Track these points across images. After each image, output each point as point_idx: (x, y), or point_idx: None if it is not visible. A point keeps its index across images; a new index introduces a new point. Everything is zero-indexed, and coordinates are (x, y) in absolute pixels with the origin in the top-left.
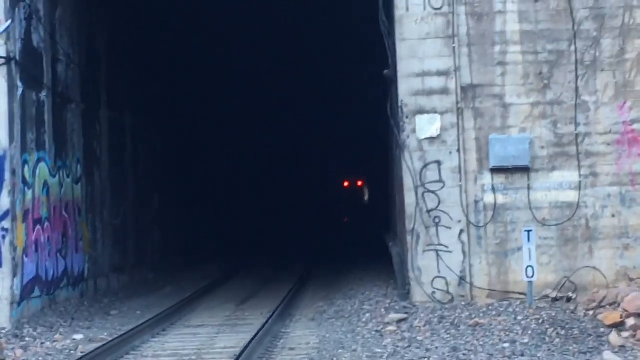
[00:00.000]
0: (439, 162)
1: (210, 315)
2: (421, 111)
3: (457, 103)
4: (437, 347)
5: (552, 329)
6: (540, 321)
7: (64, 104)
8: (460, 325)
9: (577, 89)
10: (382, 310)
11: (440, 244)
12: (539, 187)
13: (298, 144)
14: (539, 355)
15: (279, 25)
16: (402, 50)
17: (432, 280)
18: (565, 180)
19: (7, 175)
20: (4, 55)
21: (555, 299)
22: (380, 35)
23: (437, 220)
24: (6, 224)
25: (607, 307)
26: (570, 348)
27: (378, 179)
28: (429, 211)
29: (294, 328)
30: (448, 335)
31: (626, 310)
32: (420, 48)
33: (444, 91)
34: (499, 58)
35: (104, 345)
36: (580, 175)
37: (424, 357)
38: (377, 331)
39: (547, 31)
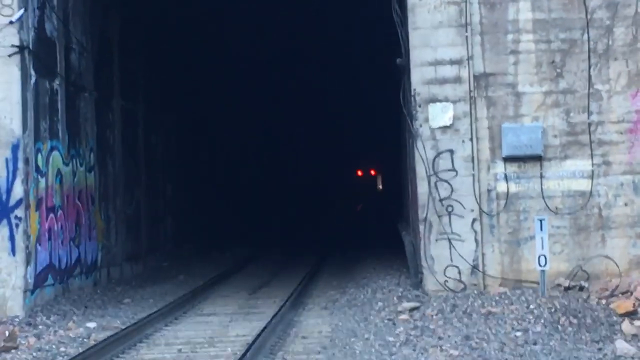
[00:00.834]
0: (451, 151)
1: (223, 304)
2: (434, 100)
3: (470, 92)
4: (449, 336)
5: (565, 317)
6: (553, 310)
7: (77, 92)
8: (472, 314)
9: (589, 77)
10: (395, 298)
11: (452, 233)
12: (552, 176)
13: (311, 132)
14: (551, 343)
15: (293, 13)
16: (415, 39)
17: (445, 269)
18: (578, 169)
19: (21, 164)
20: (17, 44)
21: (567, 288)
22: (394, 24)
23: (449, 209)
24: (19, 212)
25: (620, 295)
26: (583, 337)
27: (391, 168)
28: (441, 200)
29: (306, 316)
30: (460, 324)
31: (639, 299)
32: (433, 37)
33: (457, 80)
34: (512, 47)
35: (117, 333)
36: (592, 164)
37: (437, 346)
38: (389, 320)
39: (560, 20)
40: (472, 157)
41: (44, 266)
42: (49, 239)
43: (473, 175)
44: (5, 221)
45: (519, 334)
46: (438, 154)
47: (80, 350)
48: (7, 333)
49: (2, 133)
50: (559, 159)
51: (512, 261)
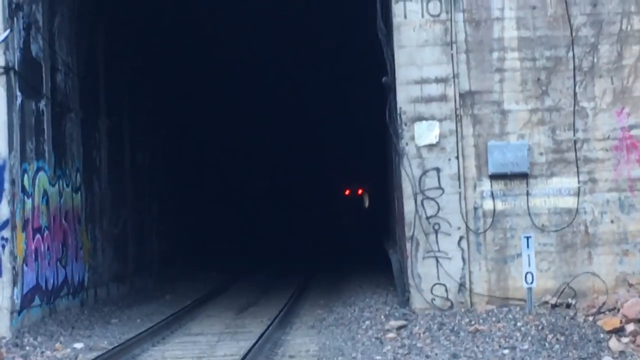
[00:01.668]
0: (438, 169)
1: (210, 323)
2: (420, 118)
3: (456, 110)
4: (436, 354)
5: (552, 335)
6: (540, 327)
7: (63, 113)
8: (460, 332)
9: (575, 95)
10: (382, 317)
11: (439, 251)
12: (538, 194)
13: (299, 151)
14: None
15: (280, 36)
16: (401, 57)
17: (432, 287)
18: (564, 187)
19: (7, 185)
20: (3, 65)
21: (554, 305)
22: (379, 43)
23: (436, 227)
24: (6, 233)
25: (607, 312)
26: (570, 354)
27: (378, 186)
28: (428, 218)
29: (294, 335)
30: (448, 342)
31: (626, 316)
32: (419, 55)
33: (443, 98)
34: (497, 65)
35: (104, 353)
36: (579, 182)
37: None
38: (377, 338)
39: (545, 37)
40: (459, 175)
41: (31, 287)
42: (36, 259)
43: (459, 193)
44: None
45: (506, 351)
46: (424, 172)
47: None
48: None
49: None
50: (545, 176)
51: (499, 279)
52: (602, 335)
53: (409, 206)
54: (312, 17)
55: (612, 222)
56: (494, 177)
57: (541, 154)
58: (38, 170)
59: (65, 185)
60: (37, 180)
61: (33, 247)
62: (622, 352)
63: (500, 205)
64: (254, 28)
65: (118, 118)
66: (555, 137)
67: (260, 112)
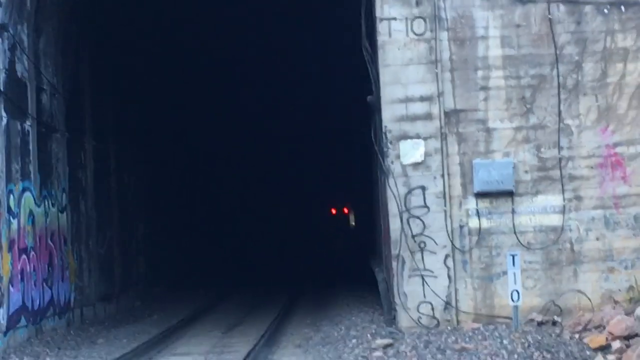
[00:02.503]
0: (423, 188)
1: (197, 343)
2: (405, 137)
3: (441, 128)
4: None
5: (538, 352)
6: (526, 345)
7: (48, 133)
8: (446, 350)
9: (559, 113)
10: (369, 335)
11: (425, 269)
12: (523, 211)
13: (285, 171)
14: None
15: (266, 56)
16: (385, 76)
17: (418, 305)
18: (549, 204)
19: None
20: None
21: (540, 323)
22: (365, 61)
23: (422, 245)
24: None
25: (593, 330)
26: None
27: (364, 205)
28: (414, 236)
29: (280, 355)
30: None
31: (611, 333)
32: (403, 74)
33: (428, 116)
34: (482, 83)
35: None
36: (564, 199)
37: None
38: (363, 357)
39: (530, 56)
40: (444, 193)
41: (17, 308)
42: (22, 280)
43: (445, 211)
44: None
45: None
46: (410, 191)
47: None
48: None
49: None
50: (530, 194)
51: (485, 297)
52: (588, 353)
53: (394, 224)
54: (298, 35)
55: (597, 239)
56: (479, 195)
57: (526, 171)
58: (24, 190)
59: (51, 206)
60: (22, 201)
61: (19, 267)
62: None
63: (485, 223)
64: (240, 49)
65: (104, 139)
66: (540, 155)
67: (246, 133)
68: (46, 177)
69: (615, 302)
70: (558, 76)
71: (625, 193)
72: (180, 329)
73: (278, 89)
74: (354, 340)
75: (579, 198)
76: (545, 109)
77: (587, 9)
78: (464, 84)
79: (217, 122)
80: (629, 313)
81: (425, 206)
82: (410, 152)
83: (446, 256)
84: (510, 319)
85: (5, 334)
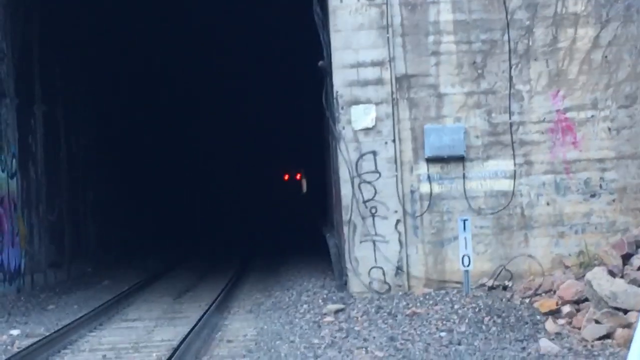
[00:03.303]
0: (374, 153)
1: (147, 309)
2: (356, 102)
3: (392, 93)
4: (374, 337)
5: (489, 317)
6: (477, 310)
7: None
8: (397, 315)
9: (510, 78)
10: (320, 301)
11: (377, 234)
12: (474, 176)
13: (237, 136)
14: (475, 343)
15: (216, 20)
16: (337, 41)
17: (369, 271)
18: (500, 169)
19: None
20: None
21: (491, 288)
22: (316, 26)
23: (373, 211)
24: None
25: (543, 294)
26: (507, 336)
27: (316, 171)
28: (365, 202)
29: (231, 320)
30: (385, 325)
31: (562, 298)
32: (355, 39)
33: (379, 82)
34: (433, 48)
35: (40, 340)
36: (515, 164)
37: (362, 347)
38: (314, 322)
39: (480, 21)
40: (395, 159)
41: None
42: None
43: (396, 176)
44: None
45: (443, 334)
46: (361, 156)
47: (3, 357)
48: None
49: None
50: (481, 159)
51: (436, 262)
52: (538, 317)
53: (345, 190)
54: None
55: (548, 204)
56: (430, 160)
57: (477, 136)
58: None
59: (0, 171)
60: None
61: None
62: (558, 334)
63: (437, 189)
64: (189, 11)
65: (54, 105)
66: (491, 120)
67: (200, 99)
68: None
69: (566, 266)
70: (509, 41)
71: (576, 158)
72: (131, 296)
73: (229, 54)
74: (305, 306)
75: (529, 163)
76: (496, 74)
77: None
78: (415, 49)
79: (167, 87)
80: (579, 278)
81: (377, 171)
82: (361, 117)
83: (397, 221)
84: (462, 283)
85: None
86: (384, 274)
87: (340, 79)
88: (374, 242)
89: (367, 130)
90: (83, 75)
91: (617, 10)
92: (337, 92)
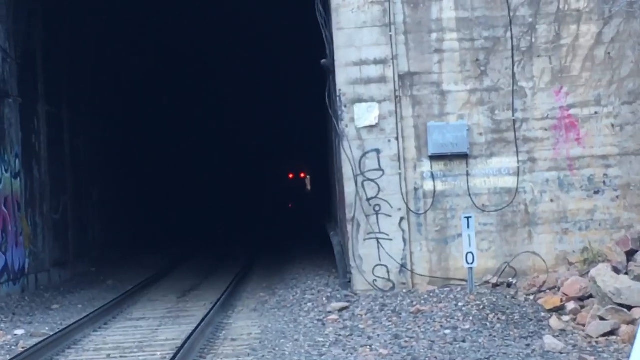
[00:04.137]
0: (377, 151)
1: (152, 308)
2: (359, 100)
3: (395, 91)
4: (378, 335)
5: (493, 314)
6: (481, 307)
7: (1, 98)
8: (401, 313)
9: (513, 75)
10: (324, 299)
11: (380, 232)
12: (478, 174)
13: (243, 135)
14: (480, 340)
15: (220, 20)
16: (339, 39)
17: (373, 269)
18: (504, 167)
19: None
20: None
21: (495, 285)
22: (319, 25)
23: (377, 209)
24: None
25: (547, 291)
26: (511, 333)
27: (320, 170)
28: (368, 199)
29: (236, 319)
30: (390, 323)
31: (566, 295)
32: (357, 37)
33: (382, 79)
34: (436, 45)
35: (45, 339)
36: (518, 161)
37: (366, 345)
38: (319, 320)
39: (483, 18)
40: (399, 156)
41: None
42: None
43: (400, 174)
44: None
45: (447, 331)
46: (364, 154)
47: (8, 357)
48: None
49: None
50: (484, 156)
51: (440, 259)
52: (542, 314)
53: (349, 188)
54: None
55: (551, 201)
56: (434, 157)
57: (481, 134)
58: None
59: (4, 171)
60: None
61: None
62: (562, 331)
63: (440, 186)
64: (193, 11)
65: (58, 105)
66: (495, 117)
67: (205, 98)
68: None
69: (570, 263)
70: (512, 38)
71: (580, 155)
72: (135, 294)
73: (233, 54)
74: (309, 304)
75: (533, 160)
76: (499, 72)
77: None
78: (418, 46)
79: (173, 86)
80: (583, 274)
81: (380, 169)
82: (364, 115)
83: (401, 219)
84: (466, 281)
85: None
86: (388, 271)
87: (343, 77)
88: (377, 239)
89: (370, 128)
90: (87, 74)
91: (620, 7)
92: (340, 90)
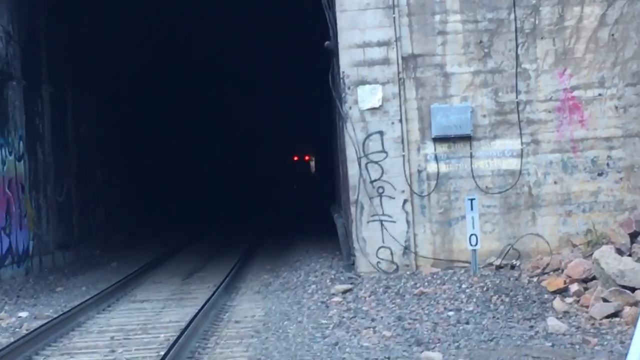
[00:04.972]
0: (381, 133)
1: (156, 290)
2: (363, 82)
3: (399, 73)
4: (382, 317)
5: (497, 296)
6: (485, 289)
7: (4, 81)
8: (405, 295)
9: (517, 57)
10: (328, 281)
11: (384, 214)
12: (482, 156)
13: (247, 118)
14: (483, 322)
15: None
16: (343, 21)
17: (377, 251)
18: (507, 148)
19: None
20: None
21: (499, 267)
22: (322, 6)
23: (380, 191)
24: None
25: (551, 273)
26: (515, 315)
27: (324, 152)
28: (372, 182)
29: (239, 301)
30: (393, 305)
31: (569, 276)
32: (361, 19)
33: (385, 61)
34: (439, 27)
35: (49, 322)
36: (522, 143)
37: (370, 327)
38: (322, 302)
39: None
40: (402, 138)
41: None
42: None
43: (403, 156)
44: None
45: (451, 313)
46: (368, 136)
47: (12, 339)
48: None
49: None
50: (488, 138)
51: (444, 241)
52: (546, 296)
53: (353, 170)
54: None
55: (555, 183)
56: (437, 139)
57: (484, 116)
58: None
59: (8, 154)
60: None
61: None
62: (566, 312)
63: (444, 168)
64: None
65: (61, 87)
66: (498, 99)
67: (210, 80)
68: (3, 125)
69: (573, 245)
70: (515, 20)
71: (583, 137)
72: (139, 277)
73: (237, 38)
74: (313, 286)
75: (536, 142)
76: (502, 53)
77: None
78: (422, 28)
79: (178, 67)
80: (586, 256)
81: (384, 151)
82: (368, 97)
83: (405, 201)
84: (469, 263)
85: None
86: (391, 253)
87: (347, 59)
88: (381, 222)
89: (373, 110)
90: (91, 57)
91: None
92: (343, 72)
